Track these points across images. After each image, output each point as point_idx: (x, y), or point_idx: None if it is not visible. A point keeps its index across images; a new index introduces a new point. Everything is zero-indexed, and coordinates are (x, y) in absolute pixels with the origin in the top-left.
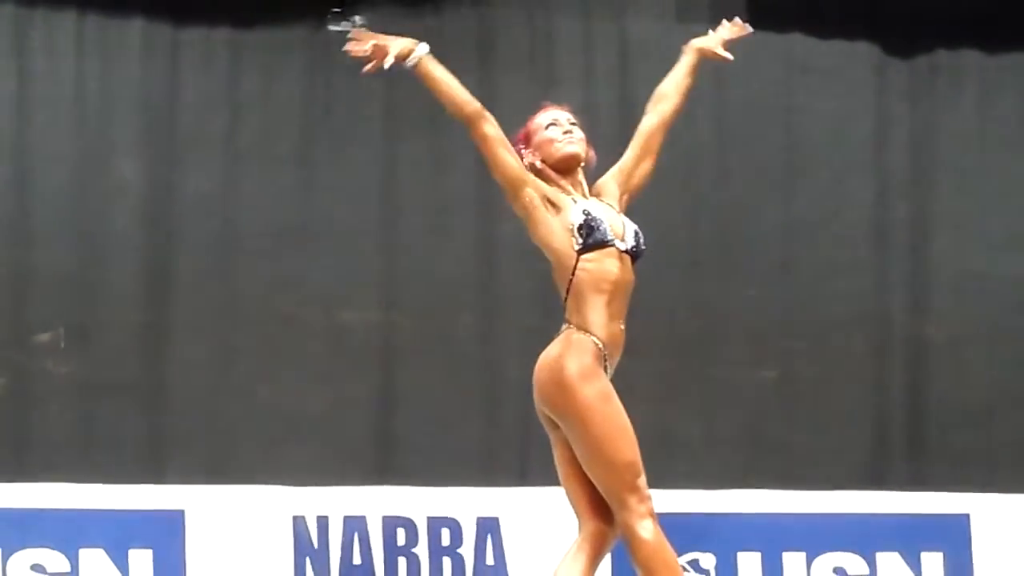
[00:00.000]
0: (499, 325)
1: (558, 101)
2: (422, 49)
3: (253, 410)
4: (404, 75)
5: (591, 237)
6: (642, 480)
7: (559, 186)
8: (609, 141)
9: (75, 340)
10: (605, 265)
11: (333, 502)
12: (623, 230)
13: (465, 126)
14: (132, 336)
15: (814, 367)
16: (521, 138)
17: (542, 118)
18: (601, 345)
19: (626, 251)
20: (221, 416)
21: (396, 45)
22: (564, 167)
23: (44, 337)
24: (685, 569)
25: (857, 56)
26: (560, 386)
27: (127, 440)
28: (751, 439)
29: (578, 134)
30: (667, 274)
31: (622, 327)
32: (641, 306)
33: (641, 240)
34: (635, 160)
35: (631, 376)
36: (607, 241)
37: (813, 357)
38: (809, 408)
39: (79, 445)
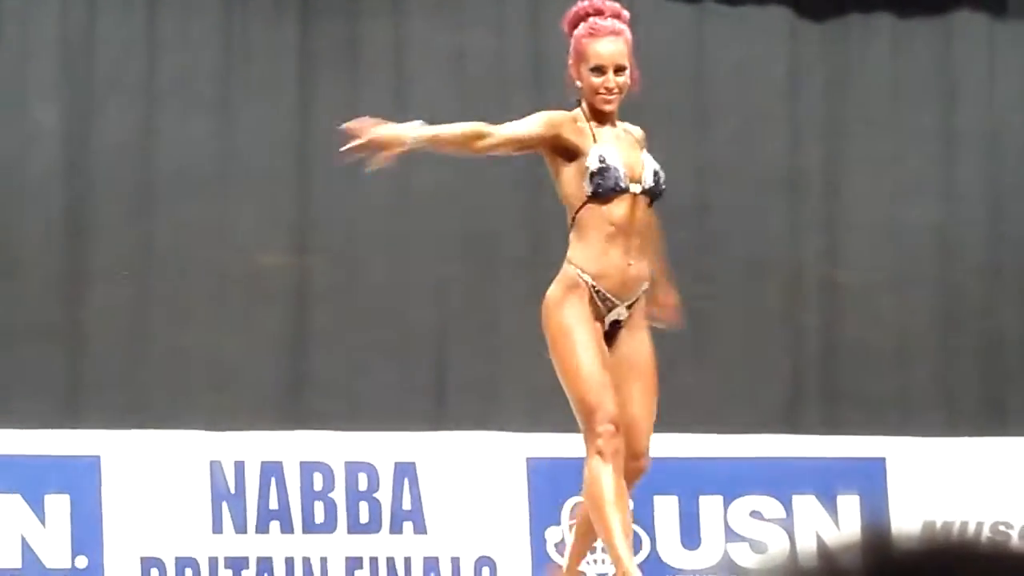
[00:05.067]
0: (414, 271)
1: (469, 49)
2: (412, 130)
3: (170, 355)
4: (319, 21)
5: (601, 187)
6: (600, 415)
7: (587, 122)
8: (520, 87)
9: None
10: (612, 207)
11: (250, 447)
12: (641, 170)
13: (478, 154)
14: (49, 281)
15: (726, 312)
16: (574, 58)
17: (596, 48)
18: (588, 278)
19: (640, 192)
20: (138, 361)
21: (389, 137)
22: (597, 114)
23: None
24: None
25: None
26: (543, 312)
27: (44, 385)
28: (663, 383)
29: (619, 85)
30: None
31: (631, 263)
32: (552, 253)
33: (661, 179)
34: None
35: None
36: (617, 188)
37: (725, 302)
38: (721, 352)
39: None
